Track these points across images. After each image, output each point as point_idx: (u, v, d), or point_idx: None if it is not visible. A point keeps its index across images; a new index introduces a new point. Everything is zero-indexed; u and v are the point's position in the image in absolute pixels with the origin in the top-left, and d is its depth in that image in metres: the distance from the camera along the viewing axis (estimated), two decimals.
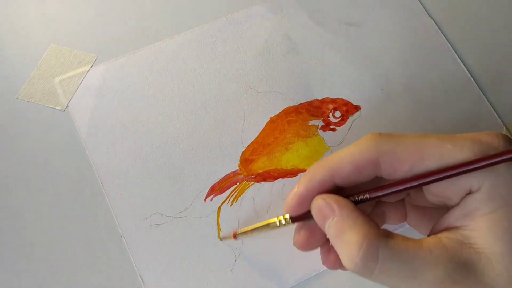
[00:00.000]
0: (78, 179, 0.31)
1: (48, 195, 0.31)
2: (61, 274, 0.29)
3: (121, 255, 0.29)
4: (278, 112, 0.33)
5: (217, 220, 0.30)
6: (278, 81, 0.34)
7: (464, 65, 0.36)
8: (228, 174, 0.31)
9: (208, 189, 0.31)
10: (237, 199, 0.31)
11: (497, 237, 0.19)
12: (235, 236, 0.28)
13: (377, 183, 0.23)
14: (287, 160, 0.32)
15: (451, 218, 0.21)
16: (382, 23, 0.37)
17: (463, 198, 0.20)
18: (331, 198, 0.22)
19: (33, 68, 0.34)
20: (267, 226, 0.26)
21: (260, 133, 0.33)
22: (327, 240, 0.24)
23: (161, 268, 0.29)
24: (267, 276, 0.29)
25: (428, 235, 0.22)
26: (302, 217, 0.24)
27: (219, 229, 0.30)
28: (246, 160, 0.32)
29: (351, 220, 0.20)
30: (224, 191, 0.31)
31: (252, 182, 0.31)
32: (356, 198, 0.22)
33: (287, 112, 0.33)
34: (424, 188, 0.22)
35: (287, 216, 0.24)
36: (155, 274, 0.29)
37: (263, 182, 0.31)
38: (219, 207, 0.31)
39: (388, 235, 0.20)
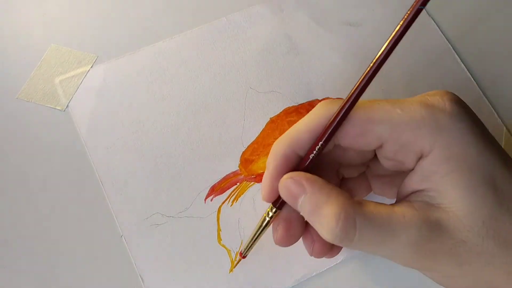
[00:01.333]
0: (78, 179, 0.31)
1: (48, 195, 0.31)
2: (61, 274, 0.29)
3: (121, 255, 0.29)
4: (278, 112, 0.33)
5: (217, 220, 0.30)
6: (278, 81, 0.34)
7: (464, 65, 0.36)
8: (228, 174, 0.31)
9: (208, 189, 0.31)
10: (237, 199, 0.31)
11: (461, 197, 0.19)
12: (241, 255, 0.27)
13: (337, 151, 0.23)
14: None
15: (413, 183, 0.21)
16: (382, 23, 0.37)
17: (418, 162, 0.20)
18: (299, 174, 0.22)
19: (33, 68, 0.34)
20: (261, 227, 0.25)
21: (260, 133, 0.33)
22: (307, 230, 0.24)
23: (161, 268, 0.29)
24: (267, 276, 0.29)
25: (397, 199, 0.22)
26: (282, 201, 0.23)
27: (219, 229, 0.30)
28: (246, 160, 0.32)
29: (325, 193, 0.20)
30: (224, 191, 0.31)
31: (252, 183, 0.31)
32: (311, 156, 0.22)
33: (287, 112, 0.33)
34: (378, 154, 0.22)
35: (271, 206, 0.24)
36: (155, 274, 0.29)
37: None
38: (219, 207, 0.31)
39: (361, 203, 0.20)
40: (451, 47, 0.36)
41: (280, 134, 0.32)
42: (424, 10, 0.37)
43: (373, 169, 0.26)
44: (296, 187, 0.21)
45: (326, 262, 0.30)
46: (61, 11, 0.36)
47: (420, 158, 0.20)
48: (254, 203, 0.31)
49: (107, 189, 0.31)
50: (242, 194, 0.31)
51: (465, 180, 0.19)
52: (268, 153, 0.32)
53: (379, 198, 0.26)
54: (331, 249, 0.24)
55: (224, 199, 0.31)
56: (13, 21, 0.35)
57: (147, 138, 0.32)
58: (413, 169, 0.21)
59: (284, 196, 0.22)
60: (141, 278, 0.29)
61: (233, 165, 0.32)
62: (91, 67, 0.34)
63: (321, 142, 0.21)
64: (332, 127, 0.21)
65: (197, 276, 0.29)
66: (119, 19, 0.36)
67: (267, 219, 0.24)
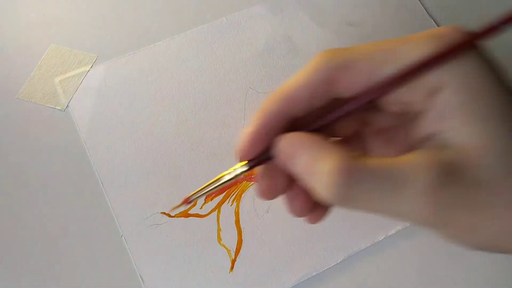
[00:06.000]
0: (78, 179, 0.31)
1: (48, 195, 0.31)
2: (61, 274, 0.29)
3: (121, 255, 0.29)
4: None
5: (217, 220, 0.30)
6: (278, 81, 0.34)
7: None
8: None
9: None
10: (237, 199, 0.31)
11: (475, 130, 0.17)
12: (187, 200, 0.23)
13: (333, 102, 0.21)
14: None
15: (424, 127, 0.19)
16: (382, 23, 0.37)
17: (430, 99, 0.18)
18: (301, 134, 0.20)
19: (33, 68, 0.34)
20: (221, 180, 0.22)
21: None
22: (290, 186, 0.22)
23: (161, 268, 0.29)
24: (267, 276, 0.29)
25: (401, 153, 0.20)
26: (260, 161, 0.21)
27: (219, 229, 0.30)
28: None
29: (323, 148, 0.18)
30: (224, 191, 0.31)
31: (252, 182, 0.31)
32: (314, 128, 0.20)
33: None
34: (384, 99, 0.20)
35: (244, 163, 0.21)
36: (155, 274, 0.29)
37: None
38: (219, 207, 0.31)
39: (362, 156, 0.18)
40: None
41: None
42: (424, 10, 0.38)
43: (372, 124, 0.23)
44: (295, 147, 0.19)
45: (326, 262, 0.30)
46: (61, 11, 0.36)
47: (431, 94, 0.18)
48: (254, 203, 0.31)
49: (107, 189, 0.31)
50: (242, 193, 0.31)
51: (478, 111, 0.17)
52: None
53: None
54: (313, 208, 0.22)
55: (224, 199, 0.31)
56: (13, 21, 0.35)
57: (147, 138, 0.32)
58: (426, 110, 0.19)
59: (280, 155, 0.20)
60: (141, 278, 0.29)
61: (233, 165, 0.32)
62: (91, 67, 0.34)
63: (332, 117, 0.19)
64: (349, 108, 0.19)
65: (197, 276, 0.29)
66: (119, 19, 0.36)
67: (226, 177, 0.22)
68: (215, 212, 0.30)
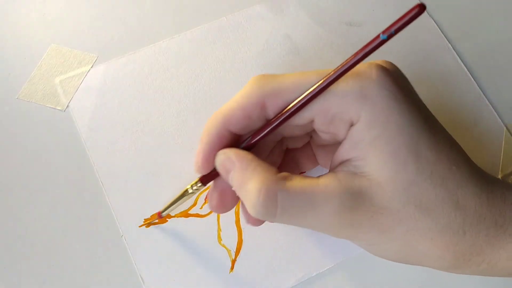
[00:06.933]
0: (78, 179, 0.31)
1: (48, 195, 0.31)
2: (61, 274, 0.29)
3: (121, 255, 0.29)
4: None
5: (217, 219, 0.30)
6: None
7: (464, 65, 0.36)
8: None
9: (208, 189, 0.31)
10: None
11: (383, 163, 0.19)
12: (159, 215, 0.28)
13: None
14: None
15: (342, 152, 0.21)
16: (382, 23, 0.37)
17: (348, 131, 0.21)
18: (231, 151, 0.22)
19: (33, 68, 0.34)
20: (183, 195, 0.26)
21: None
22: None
23: (161, 268, 0.29)
24: (267, 276, 0.29)
25: (329, 171, 0.22)
26: (211, 177, 0.24)
27: (219, 229, 0.30)
28: None
29: (250, 169, 0.21)
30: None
31: None
32: (244, 145, 0.23)
33: None
34: (314, 127, 0.22)
35: (196, 180, 0.25)
36: (155, 274, 0.29)
37: None
38: None
39: (286, 178, 0.20)
40: (451, 47, 0.36)
41: None
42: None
43: (316, 139, 0.26)
44: (228, 163, 0.22)
45: (326, 262, 0.30)
46: (61, 11, 0.36)
47: (349, 126, 0.21)
48: None
49: (107, 189, 0.31)
50: None
51: (387, 146, 0.19)
52: None
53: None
54: None
55: None
56: (13, 21, 0.35)
57: (147, 138, 0.32)
58: (344, 138, 0.21)
59: (220, 171, 0.23)
60: (141, 278, 0.29)
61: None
62: (91, 67, 0.34)
63: (261, 134, 0.22)
64: (273, 125, 0.21)
65: (197, 276, 0.29)
66: (119, 19, 0.36)
67: (191, 190, 0.25)
68: (215, 212, 0.30)
